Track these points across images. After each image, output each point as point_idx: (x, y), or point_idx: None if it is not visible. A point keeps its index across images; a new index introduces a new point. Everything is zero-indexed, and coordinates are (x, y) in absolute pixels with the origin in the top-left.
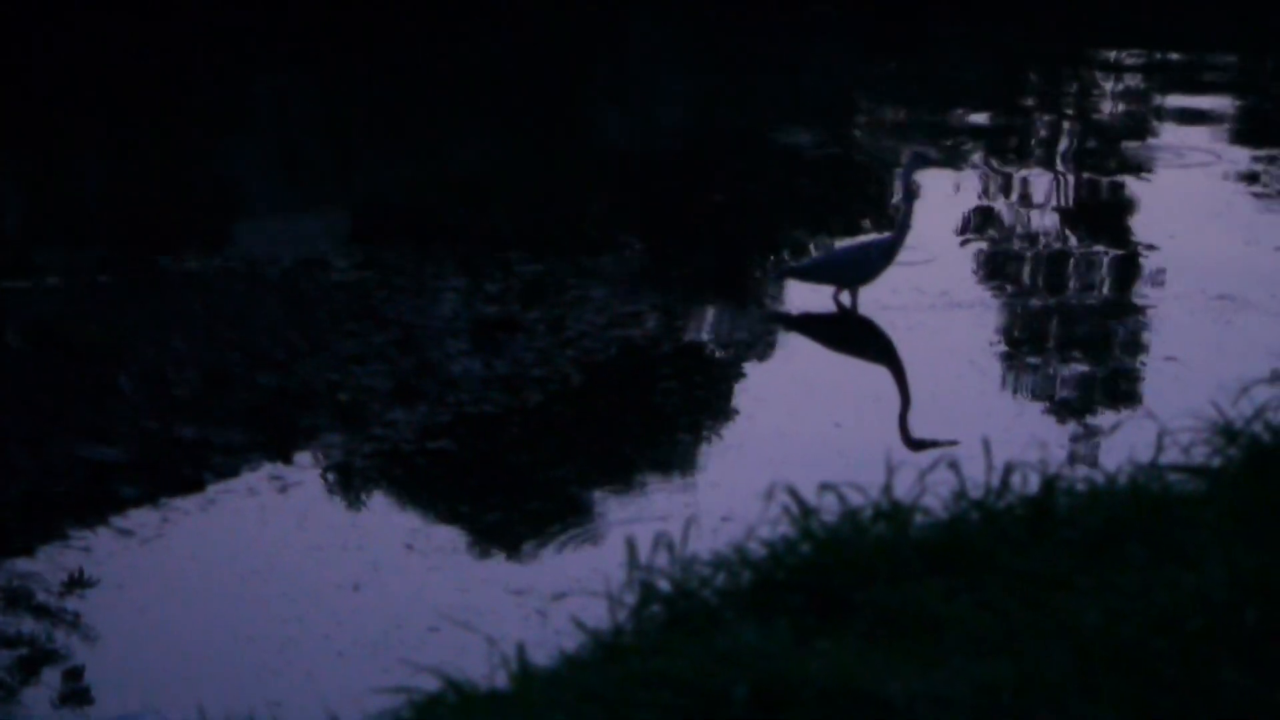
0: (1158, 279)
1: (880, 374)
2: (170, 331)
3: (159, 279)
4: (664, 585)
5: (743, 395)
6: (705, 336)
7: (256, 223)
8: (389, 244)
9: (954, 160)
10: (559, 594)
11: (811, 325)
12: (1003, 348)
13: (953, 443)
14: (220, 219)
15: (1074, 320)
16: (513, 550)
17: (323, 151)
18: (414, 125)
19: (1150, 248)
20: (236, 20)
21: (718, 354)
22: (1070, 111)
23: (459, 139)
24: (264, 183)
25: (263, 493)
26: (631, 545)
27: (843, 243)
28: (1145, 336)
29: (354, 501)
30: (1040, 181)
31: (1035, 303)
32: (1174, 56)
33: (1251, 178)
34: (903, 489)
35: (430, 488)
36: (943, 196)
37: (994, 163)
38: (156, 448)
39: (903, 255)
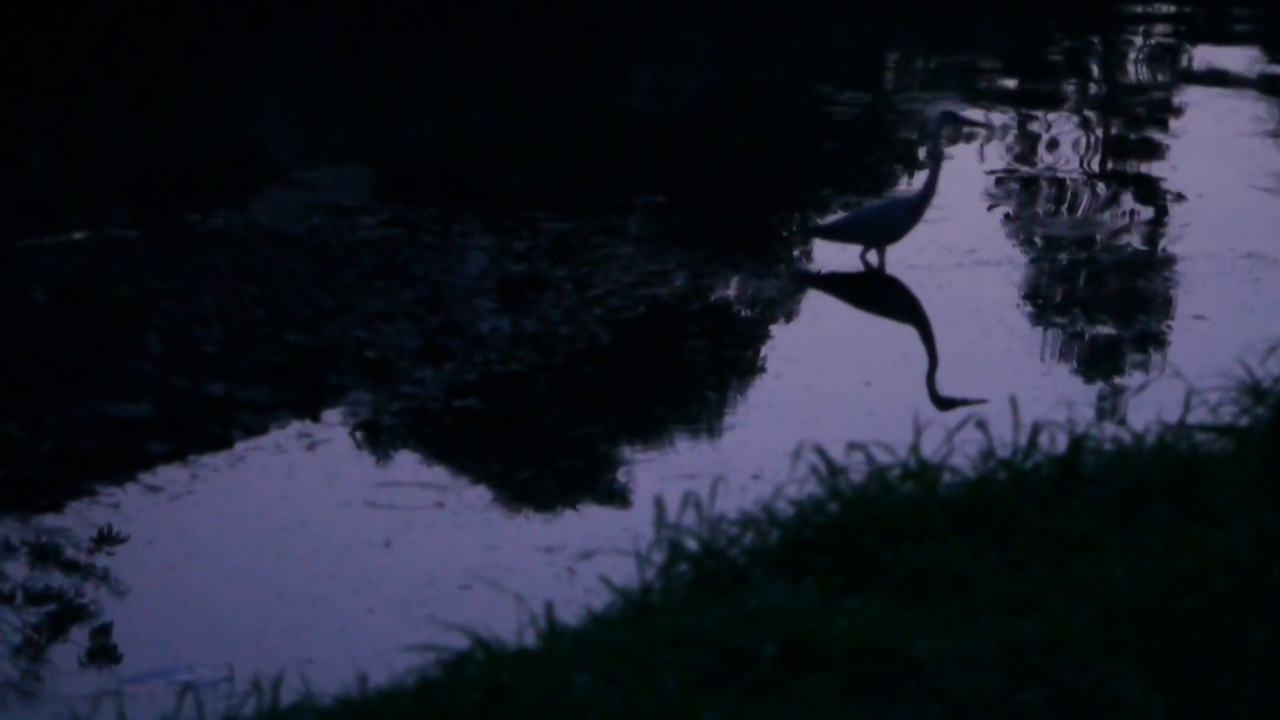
0: (1186, 236)
1: (908, 333)
2: (197, 289)
3: (185, 236)
4: (692, 544)
5: (771, 354)
6: (732, 295)
7: (282, 180)
8: (416, 202)
9: (982, 118)
10: (587, 552)
11: (839, 284)
12: (1030, 306)
13: (981, 401)
14: (246, 176)
15: (1102, 279)
16: (542, 508)
17: (349, 109)
18: (440, 83)
19: (1179, 204)
20: None
21: (745, 313)
22: (1097, 67)
23: (485, 96)
24: (290, 140)
25: (291, 450)
26: (660, 504)
27: (870, 202)
28: (1173, 295)
29: (383, 459)
30: (1068, 139)
31: (1063, 261)
32: (1202, 8)
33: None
34: (930, 448)
35: (459, 446)
36: (970, 154)
37: (1022, 120)
38: (184, 405)
39: (929, 213)
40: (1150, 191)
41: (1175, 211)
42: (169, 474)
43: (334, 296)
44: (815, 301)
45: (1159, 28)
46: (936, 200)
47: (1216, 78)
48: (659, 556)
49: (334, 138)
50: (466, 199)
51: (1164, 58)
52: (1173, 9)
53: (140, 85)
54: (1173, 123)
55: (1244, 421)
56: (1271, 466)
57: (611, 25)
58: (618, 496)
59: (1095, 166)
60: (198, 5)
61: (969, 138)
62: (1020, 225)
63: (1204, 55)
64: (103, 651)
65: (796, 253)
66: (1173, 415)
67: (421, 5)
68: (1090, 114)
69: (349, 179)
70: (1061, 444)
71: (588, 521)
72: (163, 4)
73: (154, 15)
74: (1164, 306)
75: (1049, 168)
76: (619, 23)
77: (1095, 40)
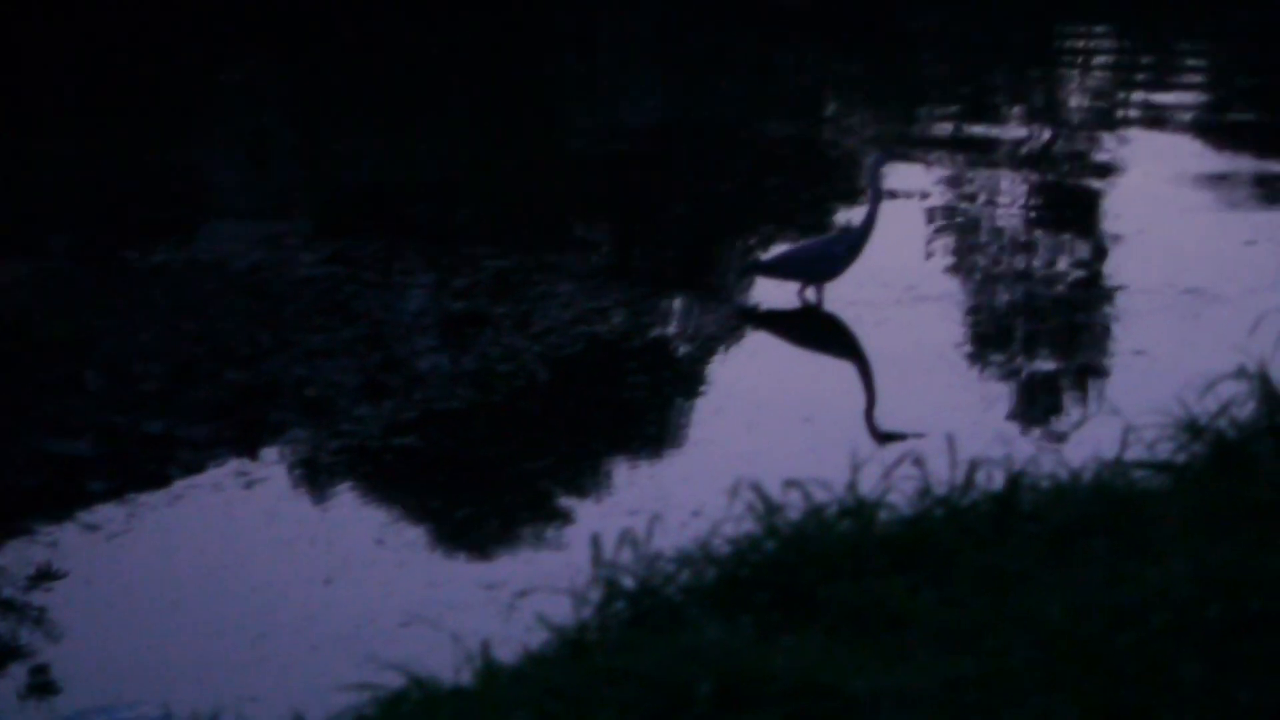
0: (1126, 272)
1: (847, 369)
2: (137, 326)
3: (126, 272)
4: (629, 582)
5: (710, 390)
6: (672, 331)
7: (224, 217)
8: (357, 238)
9: (921, 155)
10: (525, 590)
11: (778, 320)
12: (969, 342)
13: (919, 436)
14: (188, 212)
15: (1042, 314)
16: (482, 546)
17: (292, 145)
18: (383, 119)
19: (1119, 241)
20: (206, 13)
21: (685, 349)
22: (1039, 107)
23: (428, 133)
24: (232, 177)
25: (229, 488)
26: (596, 542)
27: (810, 238)
28: (1114, 330)
29: (322, 497)
30: (1008, 176)
31: (1003, 297)
32: (1143, 48)
33: (1219, 173)
34: (869, 484)
35: (399, 483)
36: (910, 191)
37: (961, 158)
38: (123, 443)
39: (869, 249)
40: (1090, 227)
41: (1115, 247)
42: (108, 512)
43: (274, 334)
44: (755, 338)
45: (1101, 64)
46: (875, 237)
47: (1158, 115)
48: (596, 594)
49: (276, 174)
50: (408, 235)
51: (1106, 94)
52: (1115, 45)
53: (83, 121)
54: (1114, 159)
55: (1181, 458)
56: (1208, 503)
57: (555, 61)
58: (557, 533)
59: (1035, 202)
60: (142, 42)
61: (909, 174)
62: (959, 261)
63: (1146, 92)
64: (41, 689)
65: (736, 289)
66: (1111, 451)
67: (365, 42)
68: (1031, 150)
69: (291, 216)
70: (999, 481)
71: (527, 559)
72: (106, 42)
73: (98, 53)
74: (1103, 342)
75: (989, 204)
76: (562, 59)
77: (1037, 77)
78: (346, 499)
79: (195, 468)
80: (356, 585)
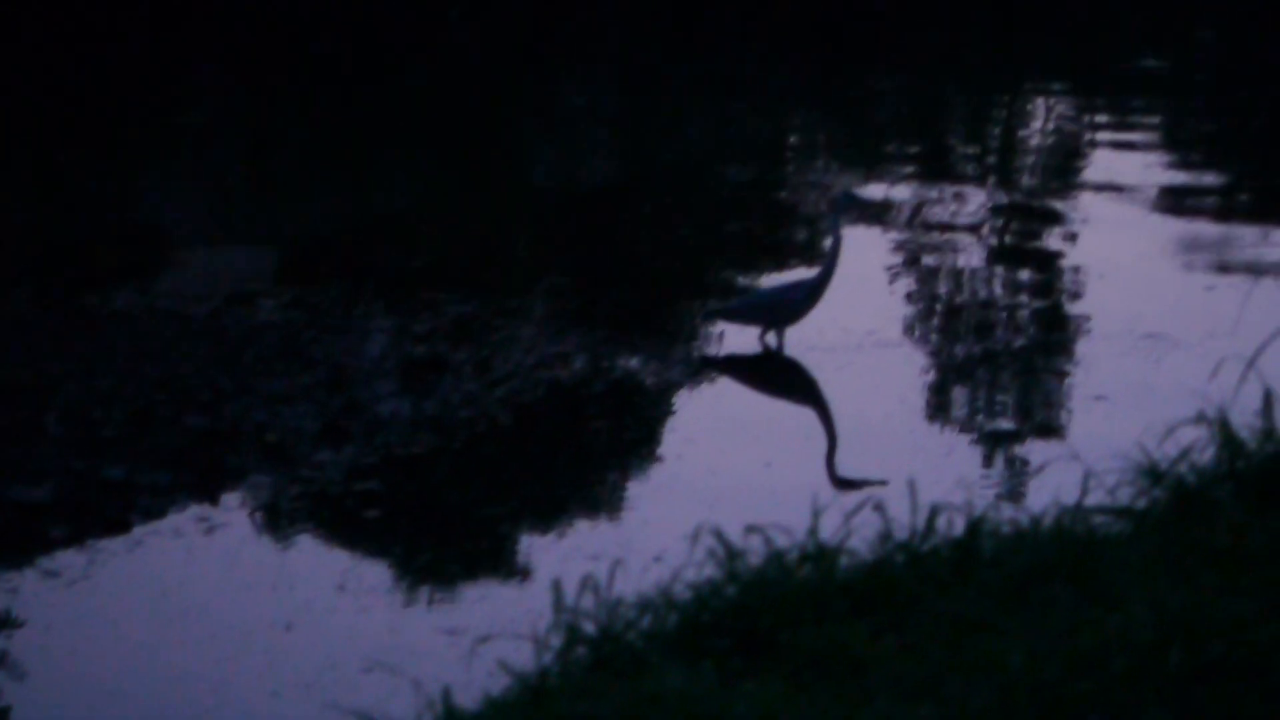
0: (1087, 318)
1: (808, 414)
2: (97, 371)
3: (86, 318)
4: (590, 628)
5: (671, 435)
6: (633, 376)
7: (184, 261)
8: (317, 283)
9: (882, 199)
10: (486, 636)
11: (739, 365)
12: (930, 387)
13: (880, 482)
14: (148, 257)
15: (1002, 359)
16: (443, 591)
17: (252, 189)
18: (344, 163)
19: (1080, 287)
20: (164, 54)
21: (646, 394)
22: (1000, 146)
23: (388, 177)
24: (192, 220)
25: (190, 534)
26: (558, 587)
27: (769, 283)
28: (1074, 375)
29: (283, 542)
30: (969, 222)
31: (963, 342)
32: (1100, 100)
33: (1179, 220)
34: (829, 530)
35: (360, 528)
36: (871, 235)
37: (923, 201)
38: (83, 488)
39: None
40: (1051, 272)
41: (1076, 292)
42: (68, 558)
43: (234, 379)
44: (716, 383)
45: (1062, 106)
46: (836, 282)
47: (1118, 162)
48: (557, 640)
49: (236, 218)
50: (368, 280)
51: (1067, 137)
52: (1073, 97)
53: (42, 164)
54: (1074, 204)
55: (1142, 503)
56: (1168, 548)
57: (517, 106)
58: (519, 579)
59: (996, 247)
60: (101, 84)
61: (870, 219)
62: (920, 307)
63: (1106, 141)
64: None
65: (697, 334)
66: (1071, 497)
67: (327, 86)
68: (992, 194)
69: (251, 260)
70: (960, 526)
71: (489, 604)
72: (66, 83)
73: (56, 95)
74: (1064, 387)
75: (949, 250)
76: (524, 103)
77: (999, 119)
78: (307, 544)
79: (155, 513)
80: (317, 631)
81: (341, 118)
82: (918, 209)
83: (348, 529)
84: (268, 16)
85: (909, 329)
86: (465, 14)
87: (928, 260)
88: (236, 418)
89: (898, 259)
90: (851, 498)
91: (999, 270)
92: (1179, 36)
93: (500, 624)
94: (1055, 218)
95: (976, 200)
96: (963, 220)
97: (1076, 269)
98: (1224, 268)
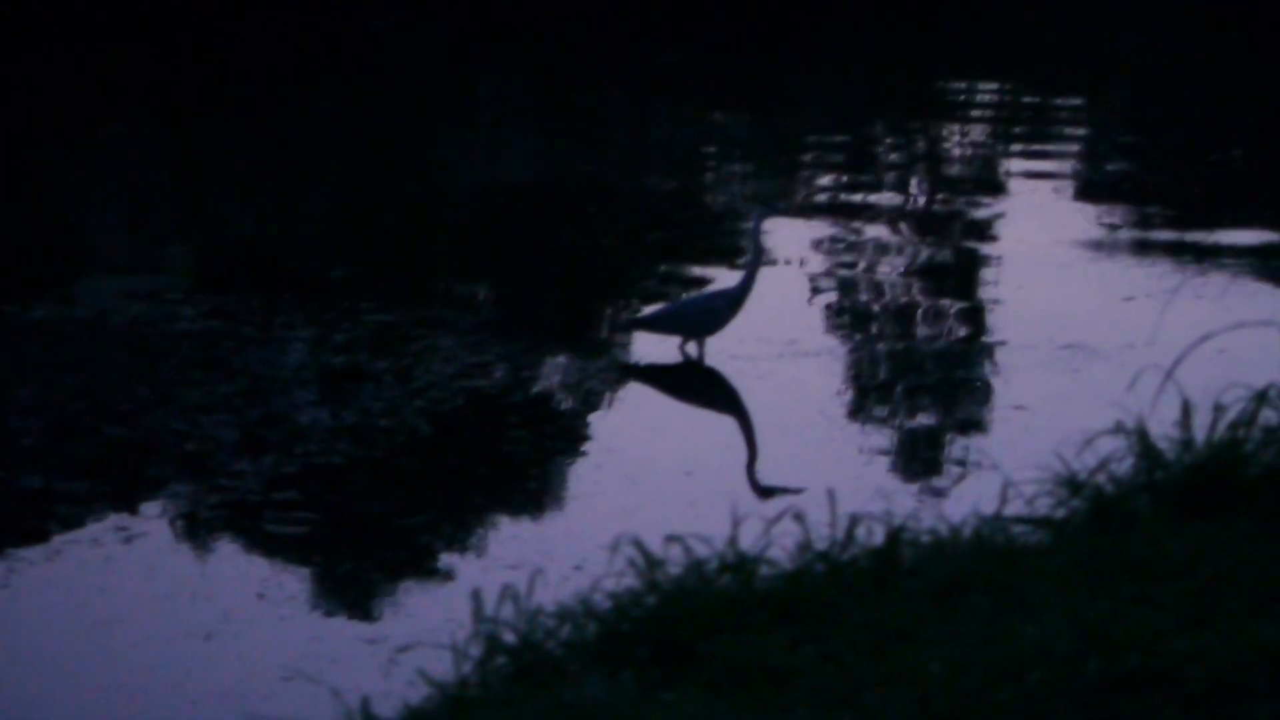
0: (1006, 327)
1: (728, 423)
2: (15, 381)
3: (3, 328)
4: (510, 637)
5: (592, 444)
6: (554, 386)
7: (104, 271)
8: (238, 293)
9: (803, 211)
10: (405, 645)
11: (659, 375)
12: (851, 397)
13: (799, 491)
14: (67, 267)
15: (922, 369)
16: (363, 600)
17: (173, 199)
18: (265, 173)
19: (999, 297)
20: (84, 67)
21: (566, 403)
22: (919, 162)
23: (309, 186)
24: (113, 231)
25: (108, 543)
26: (478, 597)
27: (690, 294)
28: (993, 386)
29: (202, 551)
30: (889, 231)
31: (884, 352)
32: (1023, 104)
33: (1098, 228)
34: (749, 539)
35: (279, 538)
36: (791, 246)
37: (844, 212)
38: (1, 498)
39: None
40: (970, 282)
41: (995, 302)
42: None
43: (153, 389)
44: (636, 392)
45: (982, 119)
46: (756, 292)
47: (1038, 171)
48: (477, 650)
49: (157, 228)
50: (288, 290)
51: (987, 150)
52: (996, 100)
53: None
54: (994, 214)
55: (1060, 513)
56: (1087, 558)
57: (438, 117)
58: (439, 588)
59: (916, 258)
60: (21, 94)
61: (791, 229)
62: (841, 317)
63: (1026, 149)
64: None
65: (617, 344)
66: (990, 507)
67: (247, 97)
68: (911, 206)
69: (171, 270)
70: (879, 536)
71: (409, 613)
72: None
73: None
74: (984, 397)
75: (870, 259)
76: (445, 115)
77: (919, 134)
78: (226, 553)
79: (74, 523)
80: (237, 640)
81: (263, 127)
82: (838, 217)
83: (267, 538)
84: (190, 26)
85: (829, 339)
86: (389, 23)
87: (848, 271)
88: (155, 427)
89: (819, 269)
90: (772, 507)
91: (919, 281)
92: (1101, 44)
93: (420, 633)
94: (975, 228)
95: (898, 210)
96: (884, 230)
97: (996, 279)
98: (1143, 277)
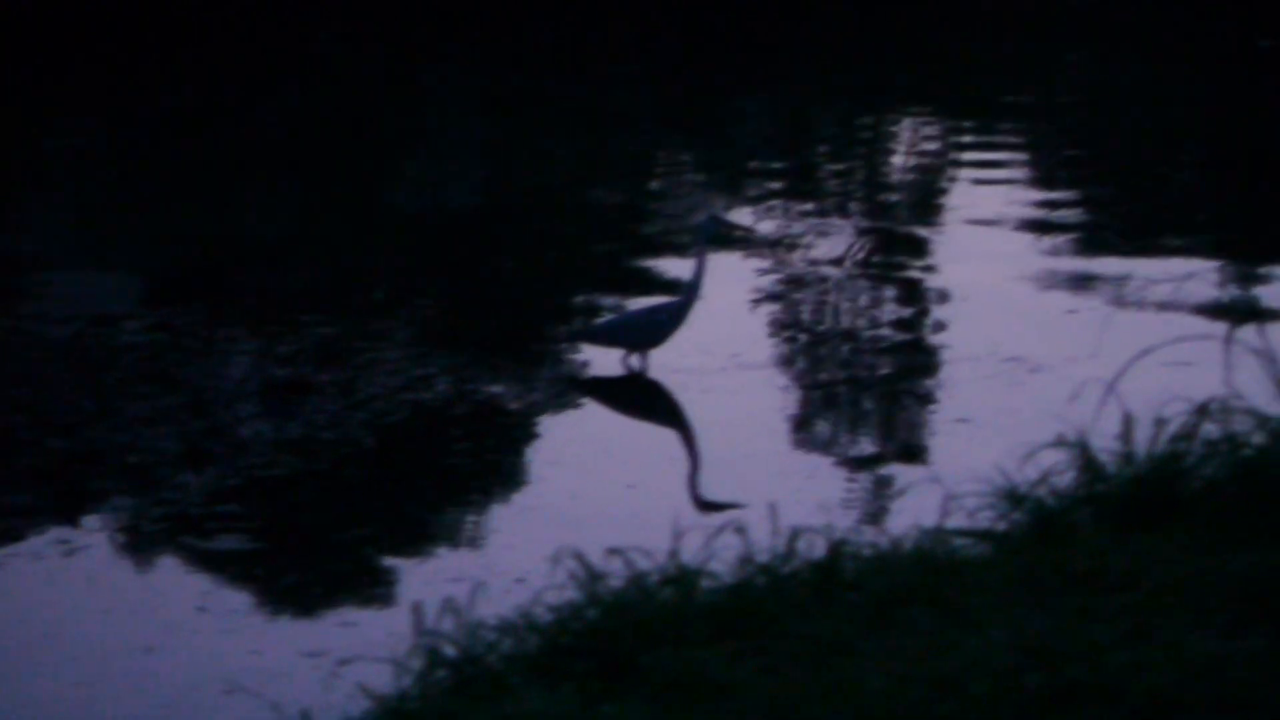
0: (950, 340)
1: (671, 436)
2: None
3: None
4: (451, 650)
5: (535, 457)
6: (497, 399)
7: (48, 283)
8: (181, 305)
9: (748, 222)
10: (346, 658)
11: (603, 388)
12: (793, 410)
13: (741, 504)
14: (11, 279)
15: (865, 382)
16: (305, 613)
17: (118, 210)
18: (209, 184)
19: (943, 310)
20: (29, 77)
21: (510, 416)
22: (865, 176)
23: (254, 198)
24: (56, 243)
25: (50, 556)
26: (419, 610)
27: (633, 306)
28: (937, 398)
29: (144, 564)
30: (833, 244)
31: (827, 365)
32: (968, 124)
33: (1042, 244)
34: (691, 552)
35: (221, 550)
36: (736, 258)
37: (789, 224)
38: None
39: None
40: (915, 295)
41: (939, 315)
42: None
43: (96, 401)
44: (579, 405)
45: (928, 131)
46: (700, 305)
47: (982, 185)
48: (418, 663)
49: (101, 241)
50: (232, 302)
51: (933, 161)
52: (941, 111)
53: None
54: (939, 227)
55: (1002, 526)
56: (1028, 571)
57: (383, 127)
58: (381, 601)
59: (860, 270)
60: None
61: (735, 242)
62: (784, 330)
63: (970, 163)
64: None
65: (561, 356)
66: (932, 519)
67: (190, 108)
68: (856, 218)
69: (115, 283)
70: (821, 549)
71: (350, 626)
72: None
73: None
74: (927, 409)
75: (814, 272)
76: (390, 125)
77: (866, 143)
78: (168, 566)
79: (16, 536)
80: (179, 653)
81: (208, 141)
82: (783, 232)
83: (209, 551)
84: (135, 40)
85: (773, 352)
86: (335, 38)
87: (792, 283)
88: (99, 440)
89: (762, 282)
90: (714, 520)
91: (863, 293)
92: (1045, 63)
93: (361, 646)
94: (919, 241)
95: (841, 223)
96: (827, 243)
97: (940, 292)
98: (1085, 292)
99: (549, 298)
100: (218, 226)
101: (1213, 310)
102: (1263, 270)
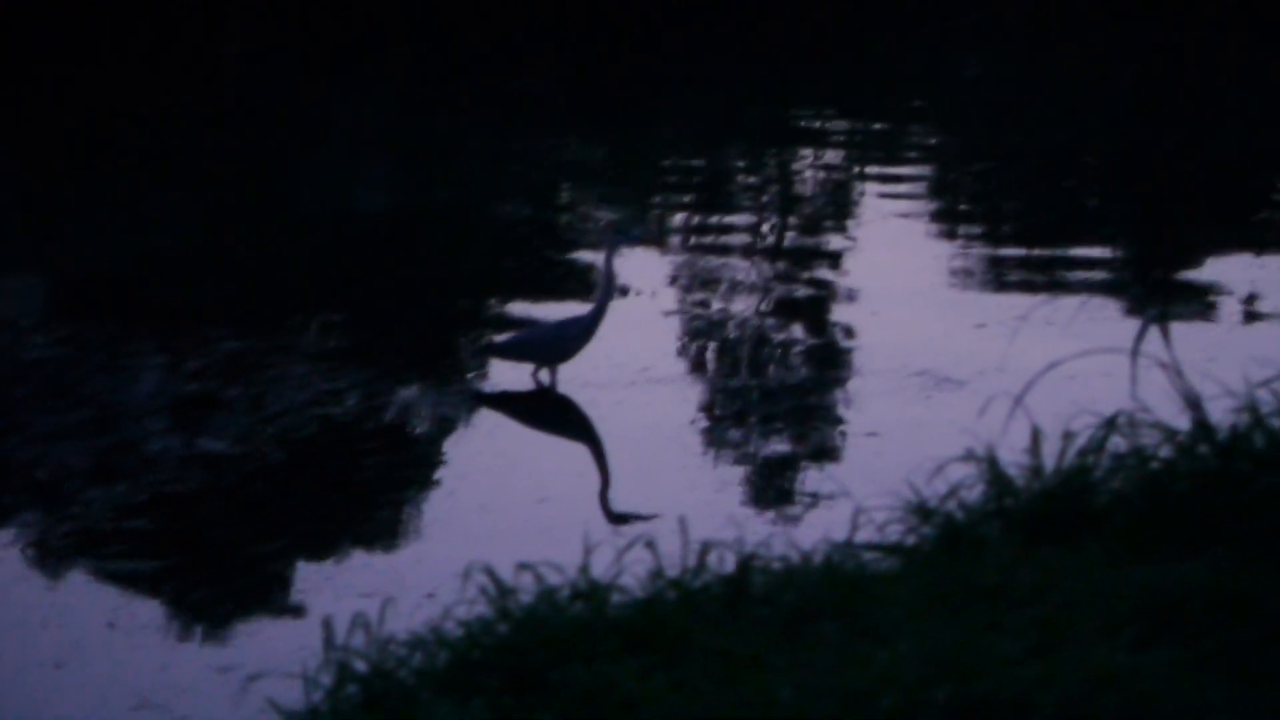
0: (859, 354)
1: (581, 450)
2: None
3: None
4: (361, 666)
5: (445, 471)
6: (406, 413)
7: None
8: (89, 320)
9: (657, 238)
10: (256, 674)
11: (512, 402)
12: (703, 424)
13: (652, 518)
14: None
15: (776, 396)
16: (214, 628)
17: (23, 225)
18: (116, 198)
19: (852, 324)
20: None
21: (419, 430)
22: (773, 188)
23: (162, 213)
24: None
25: None
26: (328, 625)
27: (543, 321)
28: (846, 412)
29: (52, 580)
30: (743, 258)
31: (737, 379)
32: (875, 133)
33: (951, 255)
34: (602, 567)
35: (130, 566)
36: (645, 273)
37: (697, 240)
38: None
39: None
40: (824, 309)
41: (848, 329)
42: None
43: (3, 416)
44: (489, 419)
45: (835, 147)
46: (609, 320)
47: (891, 199)
48: (328, 678)
49: (6, 254)
50: (141, 317)
51: (843, 177)
52: (849, 128)
53: None
54: (847, 241)
55: (911, 540)
56: (937, 585)
57: (291, 143)
58: (291, 616)
59: (770, 284)
60: None
61: (646, 255)
62: (694, 344)
63: (879, 176)
64: None
65: (471, 371)
66: (841, 533)
67: (97, 121)
68: (766, 232)
69: (21, 296)
70: (731, 563)
71: (260, 641)
72: None
73: None
74: (836, 423)
75: (723, 287)
76: (299, 141)
77: (773, 161)
78: (77, 582)
79: None
80: (87, 669)
81: (115, 153)
82: (693, 245)
83: (118, 566)
84: (38, 51)
85: (682, 366)
86: (242, 50)
87: (702, 297)
88: (5, 455)
89: (672, 295)
90: (624, 534)
91: (773, 308)
92: (948, 76)
93: (271, 662)
94: (828, 254)
95: (751, 236)
96: (737, 256)
97: (849, 306)
98: (993, 305)
99: (458, 312)
100: (126, 239)
101: (1120, 324)
102: (1169, 283)
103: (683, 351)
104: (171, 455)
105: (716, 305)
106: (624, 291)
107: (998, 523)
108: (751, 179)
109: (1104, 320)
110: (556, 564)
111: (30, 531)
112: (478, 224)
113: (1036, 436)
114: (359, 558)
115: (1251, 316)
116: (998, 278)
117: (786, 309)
